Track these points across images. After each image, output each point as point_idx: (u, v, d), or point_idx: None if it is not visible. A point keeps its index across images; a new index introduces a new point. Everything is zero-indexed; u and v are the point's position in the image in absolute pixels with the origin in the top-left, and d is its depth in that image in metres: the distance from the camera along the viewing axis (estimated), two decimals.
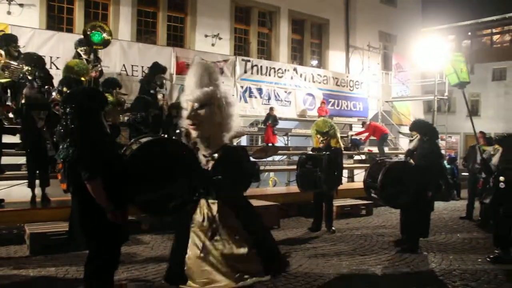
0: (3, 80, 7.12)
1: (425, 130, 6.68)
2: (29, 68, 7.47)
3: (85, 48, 8.71)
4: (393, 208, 8.48)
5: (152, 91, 9.17)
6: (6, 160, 7.11)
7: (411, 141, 6.81)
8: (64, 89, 7.33)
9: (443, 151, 15.83)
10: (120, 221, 3.81)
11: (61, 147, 3.79)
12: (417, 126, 6.86)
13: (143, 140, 4.25)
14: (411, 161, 6.92)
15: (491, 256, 6.28)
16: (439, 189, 7.05)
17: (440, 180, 6.99)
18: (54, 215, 6.70)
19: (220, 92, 3.73)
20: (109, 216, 3.71)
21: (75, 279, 5.01)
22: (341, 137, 14.39)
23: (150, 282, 5.02)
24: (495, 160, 6.81)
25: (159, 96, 9.22)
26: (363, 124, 14.95)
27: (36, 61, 7.69)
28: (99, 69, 8.95)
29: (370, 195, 6.83)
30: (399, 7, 20.03)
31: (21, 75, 7.50)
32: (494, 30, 28.71)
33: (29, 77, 7.37)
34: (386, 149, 15.98)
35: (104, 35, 8.68)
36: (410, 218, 6.73)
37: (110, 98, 7.78)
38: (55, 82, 8.11)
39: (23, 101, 7.42)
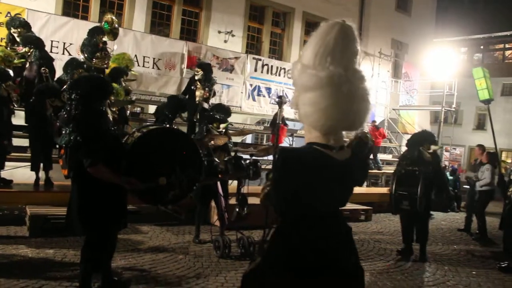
0: (17, 61, 7.23)
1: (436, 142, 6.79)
2: (26, 49, 7.49)
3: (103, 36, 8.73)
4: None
5: (192, 87, 9.26)
6: (12, 141, 7.18)
7: (430, 153, 6.91)
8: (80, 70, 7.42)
9: (446, 162, 15.85)
10: (140, 185, 3.89)
11: (63, 132, 3.86)
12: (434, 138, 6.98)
13: (145, 129, 4.32)
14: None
15: (503, 266, 6.50)
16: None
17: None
18: (56, 198, 6.76)
19: None
20: (127, 187, 3.82)
21: (72, 263, 5.09)
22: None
23: (146, 271, 5.09)
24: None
25: (197, 93, 9.27)
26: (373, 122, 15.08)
27: (34, 42, 7.68)
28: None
29: (398, 206, 6.62)
30: (413, 16, 19.99)
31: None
32: (507, 45, 28.60)
33: (29, 60, 7.40)
34: (389, 157, 16.01)
35: (109, 26, 8.81)
36: (422, 226, 6.82)
37: (115, 86, 7.78)
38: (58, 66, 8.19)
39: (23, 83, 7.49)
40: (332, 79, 2.14)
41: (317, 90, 2.16)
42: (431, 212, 11.35)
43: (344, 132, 2.29)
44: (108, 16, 8.99)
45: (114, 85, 7.14)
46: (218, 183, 6.16)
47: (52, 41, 9.41)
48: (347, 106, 2.15)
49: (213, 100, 9.79)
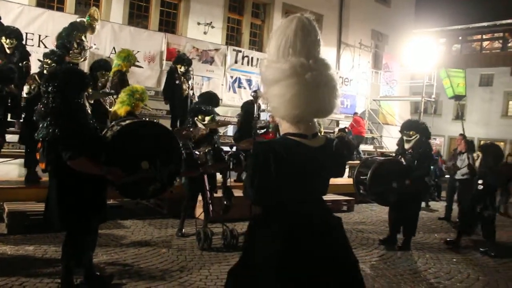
0: None
1: (422, 130, 6.82)
2: (10, 41, 7.18)
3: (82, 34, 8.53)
4: (382, 206, 8.15)
5: (177, 82, 9.12)
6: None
7: (408, 141, 6.88)
8: (48, 61, 7.18)
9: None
10: (123, 176, 3.84)
11: (40, 125, 3.76)
12: (414, 126, 6.95)
13: (124, 122, 4.25)
14: (402, 159, 6.98)
15: (482, 250, 6.88)
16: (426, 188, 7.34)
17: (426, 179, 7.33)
18: (35, 194, 6.63)
19: None
20: (110, 178, 3.76)
21: (53, 259, 5.00)
22: (327, 132, 14.51)
23: (129, 266, 5.03)
24: (477, 164, 7.55)
25: (184, 86, 9.14)
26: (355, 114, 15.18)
27: (18, 34, 7.42)
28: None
29: (359, 191, 6.87)
30: (393, 7, 20.12)
31: None
32: (484, 36, 28.99)
33: (8, 51, 7.13)
34: (370, 148, 16.14)
35: (89, 20, 8.62)
36: (404, 217, 6.85)
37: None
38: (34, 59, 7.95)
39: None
40: (295, 69, 2.23)
41: (282, 81, 2.24)
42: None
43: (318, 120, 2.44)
44: (93, 11, 8.85)
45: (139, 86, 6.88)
46: (205, 176, 6.09)
47: (26, 33, 9.13)
48: (311, 93, 2.24)
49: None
